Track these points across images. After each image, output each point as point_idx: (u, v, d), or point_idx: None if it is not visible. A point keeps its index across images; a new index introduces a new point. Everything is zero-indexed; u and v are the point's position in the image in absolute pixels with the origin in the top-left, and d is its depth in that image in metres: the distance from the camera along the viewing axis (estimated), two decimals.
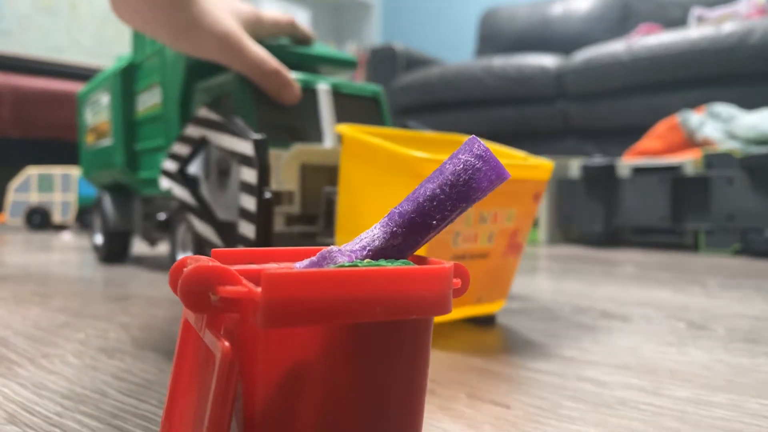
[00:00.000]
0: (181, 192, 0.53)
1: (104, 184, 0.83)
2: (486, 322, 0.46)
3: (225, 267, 0.15)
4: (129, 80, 0.70)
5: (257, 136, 0.41)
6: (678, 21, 1.89)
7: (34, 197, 1.58)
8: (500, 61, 1.89)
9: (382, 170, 0.38)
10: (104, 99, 0.76)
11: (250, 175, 0.41)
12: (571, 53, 1.91)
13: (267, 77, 0.47)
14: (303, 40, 0.55)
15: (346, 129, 0.41)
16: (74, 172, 1.61)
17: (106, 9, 2.14)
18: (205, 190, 0.52)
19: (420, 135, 0.47)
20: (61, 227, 1.64)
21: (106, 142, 0.75)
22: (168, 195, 0.64)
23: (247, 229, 0.42)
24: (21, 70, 1.81)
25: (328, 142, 0.49)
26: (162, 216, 0.57)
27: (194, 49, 0.47)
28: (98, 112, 0.79)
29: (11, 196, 1.57)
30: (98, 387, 0.31)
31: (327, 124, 0.50)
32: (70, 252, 1.02)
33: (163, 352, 0.38)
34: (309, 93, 0.50)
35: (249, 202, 0.42)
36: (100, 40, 2.13)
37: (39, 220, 1.58)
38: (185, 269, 0.14)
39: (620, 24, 2.08)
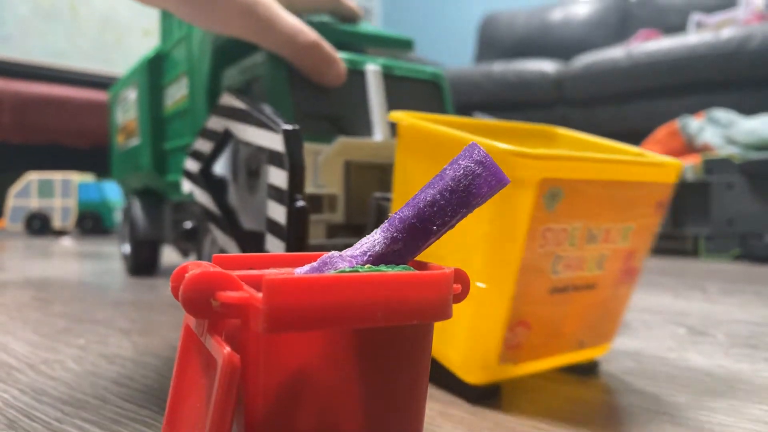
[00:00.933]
0: (202, 196, 0.45)
1: (135, 189, 0.76)
2: (586, 371, 0.35)
3: (226, 273, 0.15)
4: (156, 72, 0.62)
5: (288, 126, 0.33)
6: (677, 27, 1.90)
7: (34, 203, 1.58)
8: (500, 67, 1.90)
9: None
10: (132, 95, 0.69)
11: (278, 177, 0.33)
12: (570, 59, 1.91)
13: (303, 52, 0.38)
14: (348, 17, 0.46)
15: (404, 117, 0.33)
16: (74, 177, 1.61)
17: (107, 14, 2.15)
18: (233, 194, 0.44)
19: (493, 125, 0.38)
20: (61, 233, 1.64)
21: (134, 141, 0.69)
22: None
23: (275, 246, 0.34)
24: (21, 75, 1.82)
25: (379, 135, 0.40)
26: (188, 224, 0.50)
27: (213, 21, 0.39)
28: (127, 110, 0.73)
29: (11, 201, 1.58)
30: (99, 393, 0.31)
31: (377, 113, 0.41)
32: (70, 257, 1.02)
33: (163, 358, 0.38)
34: (356, 76, 0.41)
35: (277, 212, 0.34)
36: (100, 45, 2.14)
37: (39, 225, 1.58)
38: (186, 275, 0.14)
39: (620, 30, 2.08)
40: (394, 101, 0.42)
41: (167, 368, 0.35)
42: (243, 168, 0.42)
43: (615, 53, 1.67)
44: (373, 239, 0.18)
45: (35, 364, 0.36)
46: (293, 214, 0.32)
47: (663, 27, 1.93)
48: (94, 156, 1.86)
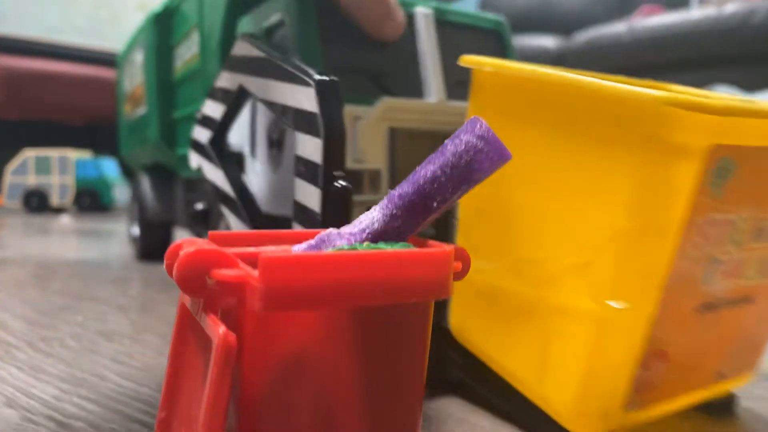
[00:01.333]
0: (212, 172, 0.38)
1: (144, 165, 0.69)
2: (721, 409, 0.27)
3: (221, 250, 0.14)
4: (164, 30, 0.55)
5: (323, 76, 0.25)
6: (680, 2, 1.87)
7: (32, 180, 1.58)
8: None
9: (577, 137, 0.20)
10: (138, 58, 0.61)
11: (310, 147, 0.26)
12: (571, 34, 1.89)
13: None
14: None
15: (485, 62, 0.24)
16: (71, 154, 1.60)
17: None
18: (250, 170, 0.37)
19: (591, 75, 0.24)
20: (59, 210, 1.64)
21: (141, 110, 0.61)
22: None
23: None
24: (16, 51, 1.80)
25: (433, 95, 0.33)
26: (199, 206, 0.44)
27: None
28: (134, 75, 0.65)
29: (8, 178, 1.57)
30: (97, 370, 0.31)
31: (430, 67, 0.33)
32: (69, 235, 1.02)
33: (161, 335, 0.38)
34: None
35: (308, 194, 0.26)
36: (95, 21, 2.11)
37: (37, 202, 1.58)
38: (181, 253, 0.14)
39: (621, 5, 2.06)
40: (449, 53, 0.33)
41: (166, 346, 0.35)
42: (263, 136, 0.35)
43: (617, 28, 1.65)
44: (372, 216, 0.17)
45: (33, 341, 0.36)
46: (331, 197, 0.25)
47: (665, 2, 1.91)
48: (91, 132, 1.84)
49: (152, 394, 0.27)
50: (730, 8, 1.49)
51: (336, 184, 0.24)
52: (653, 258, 0.19)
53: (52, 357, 0.33)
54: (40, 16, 1.98)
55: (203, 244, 0.15)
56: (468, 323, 0.26)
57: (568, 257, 0.21)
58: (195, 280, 0.14)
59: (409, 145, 0.31)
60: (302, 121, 0.26)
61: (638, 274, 0.19)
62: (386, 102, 0.30)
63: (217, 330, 0.14)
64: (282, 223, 0.32)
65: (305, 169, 0.26)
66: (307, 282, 0.14)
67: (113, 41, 2.07)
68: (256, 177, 0.36)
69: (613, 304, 0.20)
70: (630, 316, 0.20)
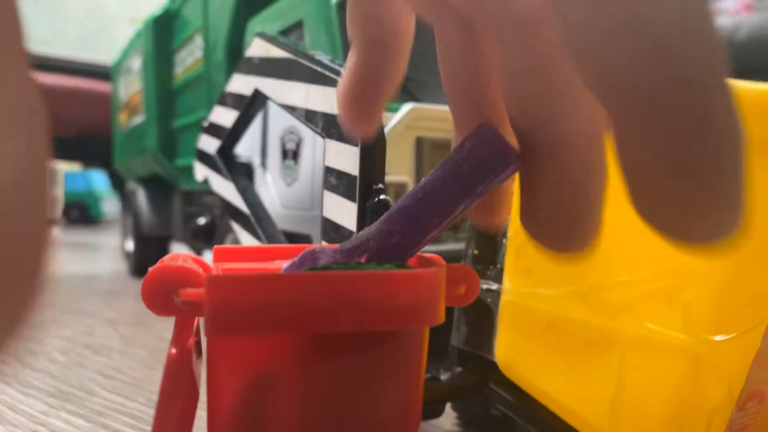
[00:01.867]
0: (221, 185, 0.35)
1: (140, 176, 0.66)
2: None
3: (189, 268, 0.13)
4: (164, 34, 0.53)
5: None
6: None
7: None
8: None
9: None
10: (136, 64, 0.60)
11: (343, 156, 0.23)
12: None
13: None
14: None
15: None
16: (60, 166, 1.59)
17: (92, 2, 2.12)
18: (261, 182, 0.35)
19: None
20: None
21: (138, 119, 0.60)
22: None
23: None
24: None
25: None
26: (201, 220, 0.43)
27: None
28: (130, 82, 0.63)
29: None
30: (85, 385, 0.30)
31: None
32: (57, 248, 1.01)
33: (151, 349, 0.37)
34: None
35: (340, 210, 0.23)
36: (86, 32, 2.11)
37: None
38: (150, 269, 0.13)
39: None
40: None
41: (155, 360, 0.35)
42: (278, 145, 0.33)
43: None
44: (368, 232, 0.16)
45: (21, 355, 0.35)
46: (370, 214, 0.22)
47: None
48: (80, 145, 1.83)
49: (141, 409, 0.27)
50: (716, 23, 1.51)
51: (375, 198, 0.22)
52: (763, 284, 0.16)
53: (40, 371, 0.32)
54: (30, 28, 1.98)
55: (186, 259, 0.15)
56: (519, 356, 0.22)
57: (650, 282, 0.18)
58: (161, 298, 0.13)
59: (436, 157, 0.28)
60: (334, 127, 0.23)
61: (743, 302, 0.16)
62: (412, 109, 0.28)
63: (168, 351, 0.13)
64: (301, 241, 0.30)
65: (337, 182, 0.23)
66: (258, 304, 0.12)
67: (104, 54, 2.07)
68: (267, 190, 0.34)
69: (719, 338, 0.17)
70: (731, 351, 0.17)
